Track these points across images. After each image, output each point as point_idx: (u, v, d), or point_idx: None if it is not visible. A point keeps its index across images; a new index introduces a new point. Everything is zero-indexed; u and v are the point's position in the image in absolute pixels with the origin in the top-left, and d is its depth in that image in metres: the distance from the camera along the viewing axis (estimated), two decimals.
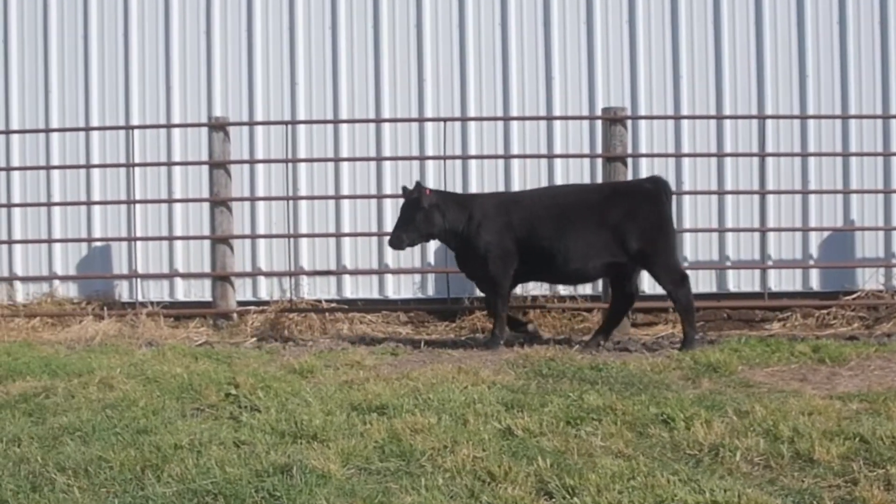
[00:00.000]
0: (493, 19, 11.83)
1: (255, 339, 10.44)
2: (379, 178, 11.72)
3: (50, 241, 11.87)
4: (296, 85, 11.86)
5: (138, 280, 11.78)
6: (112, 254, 11.96)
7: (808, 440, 5.63)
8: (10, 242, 11.90)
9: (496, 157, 11.64)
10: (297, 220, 11.61)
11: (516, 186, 11.55)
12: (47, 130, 11.96)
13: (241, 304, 11.37)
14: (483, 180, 11.57)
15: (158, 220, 11.78)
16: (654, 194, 9.66)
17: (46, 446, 5.91)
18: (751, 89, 11.75)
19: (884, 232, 11.67)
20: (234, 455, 5.60)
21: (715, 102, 11.75)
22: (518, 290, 11.13)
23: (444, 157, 11.30)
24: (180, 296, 11.77)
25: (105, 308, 11.42)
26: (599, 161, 11.24)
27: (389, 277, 11.65)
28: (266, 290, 11.64)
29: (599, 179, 11.13)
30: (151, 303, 11.53)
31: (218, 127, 11.01)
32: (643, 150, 11.61)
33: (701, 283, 11.53)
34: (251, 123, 11.74)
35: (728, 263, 11.64)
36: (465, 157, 11.60)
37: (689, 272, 10.67)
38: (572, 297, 11.40)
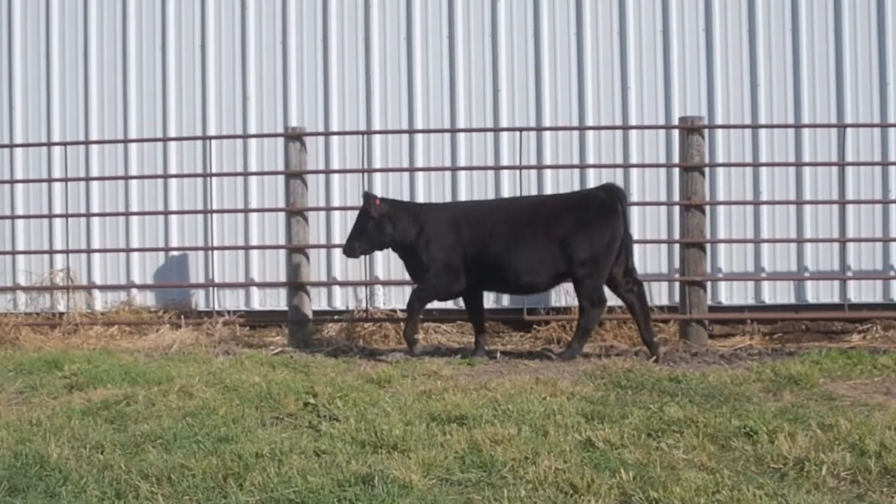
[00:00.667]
0: (569, 29, 11.86)
1: (330, 348, 10.49)
2: (454, 188, 11.82)
3: (128, 250, 12.08)
4: (371, 95, 11.99)
5: (214, 289, 11.95)
6: (189, 263, 12.15)
7: None
8: (90, 251, 12.12)
9: (572, 166, 11.66)
10: None
11: None
12: (125, 141, 12.18)
13: (316, 313, 11.48)
14: (558, 190, 11.57)
15: (235, 229, 11.94)
16: (608, 203, 9.68)
17: (129, 453, 6.01)
18: (830, 97, 11.70)
19: None
20: (315, 464, 5.66)
21: (793, 111, 11.72)
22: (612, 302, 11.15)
23: (520, 167, 11.31)
24: (256, 305, 11.92)
25: (182, 316, 11.59)
26: (676, 171, 11.15)
27: None
28: (341, 299, 11.75)
29: (676, 189, 11.09)
30: (227, 311, 11.66)
31: (294, 137, 11.13)
32: (720, 159, 11.57)
33: (779, 294, 11.49)
34: (327, 133, 11.88)
35: (807, 274, 11.54)
36: (540, 167, 11.65)
37: (767, 283, 10.71)
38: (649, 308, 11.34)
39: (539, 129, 11.74)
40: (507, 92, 11.90)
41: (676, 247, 11.21)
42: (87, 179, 12.08)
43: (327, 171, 11.85)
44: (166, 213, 12.05)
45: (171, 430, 6.45)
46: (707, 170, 11.06)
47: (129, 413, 7.11)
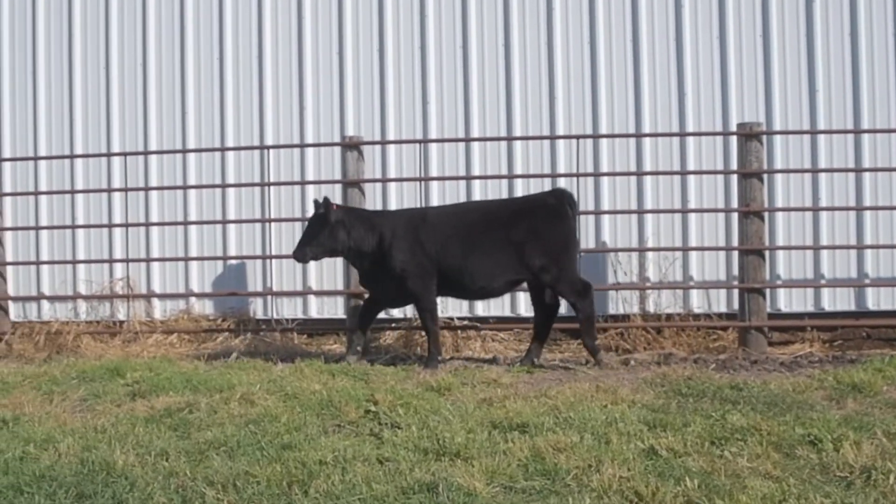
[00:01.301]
0: (625, 36, 11.90)
1: (388, 356, 10.55)
2: (510, 196, 11.78)
3: (186, 259, 12.23)
4: (427, 103, 12.09)
5: (272, 297, 12.04)
6: (247, 271, 12.29)
7: None
8: (149, 260, 12.31)
9: (628, 174, 11.70)
10: None
11: (649, 204, 11.58)
12: (184, 151, 12.34)
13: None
14: (616, 197, 11.67)
15: (292, 237, 11.96)
16: (558, 208, 9.75)
17: (193, 461, 6.09)
18: (890, 101, 11.70)
19: None
20: (379, 472, 5.72)
21: (852, 116, 11.69)
22: (651, 307, 11.17)
23: (577, 175, 11.33)
24: (314, 313, 12.04)
25: (240, 325, 11.68)
26: (734, 177, 11.11)
27: (521, 295, 11.72)
28: (398, 308, 11.80)
29: (734, 196, 11.05)
30: (285, 320, 11.77)
31: (352, 146, 11.22)
32: (778, 165, 11.53)
33: (839, 300, 11.45)
34: (384, 142, 11.99)
35: (867, 281, 11.49)
36: (597, 175, 11.66)
37: (827, 289, 10.65)
38: (707, 316, 11.32)
39: (595, 136, 11.76)
40: (563, 99, 11.94)
41: (735, 254, 11.16)
42: (147, 189, 12.27)
43: (384, 180, 11.94)
44: (224, 221, 12.20)
45: (235, 438, 6.54)
46: (765, 176, 11.00)
47: (191, 420, 7.21)
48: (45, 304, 12.67)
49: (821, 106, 11.68)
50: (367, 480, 5.50)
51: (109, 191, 12.45)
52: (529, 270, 9.66)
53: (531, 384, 8.73)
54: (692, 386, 8.18)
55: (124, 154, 12.35)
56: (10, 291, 12.34)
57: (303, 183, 12.10)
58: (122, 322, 12.15)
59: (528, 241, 9.61)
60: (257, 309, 12.24)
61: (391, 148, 12.10)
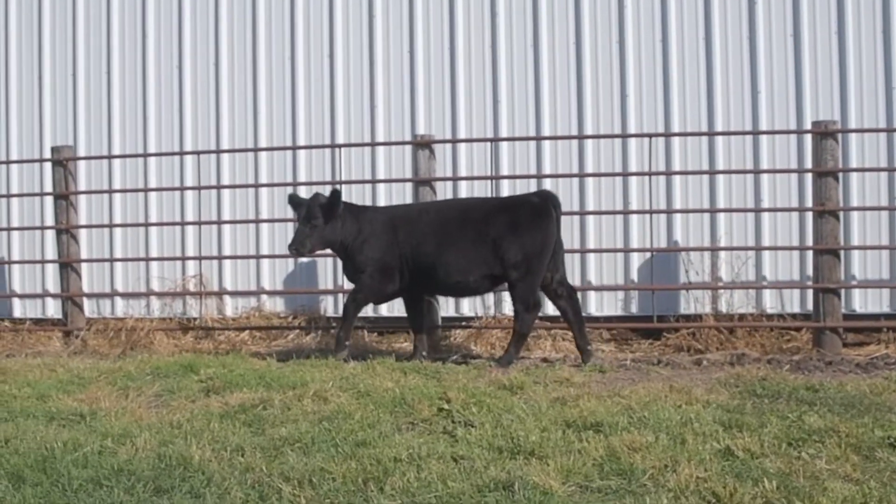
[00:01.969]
0: (697, 34, 11.85)
1: (459, 354, 10.56)
2: (582, 195, 11.94)
3: (258, 256, 12.36)
4: (498, 102, 12.15)
5: (342, 295, 12.07)
6: (317, 269, 12.39)
7: None
8: (220, 258, 12.49)
9: (701, 172, 11.66)
10: None
11: (722, 203, 11.50)
12: (255, 150, 12.48)
13: (444, 319, 11.65)
14: (688, 196, 11.61)
15: None
16: (541, 207, 9.75)
17: (269, 456, 6.15)
18: None
19: None
20: (454, 470, 5.74)
21: None
22: (723, 307, 11.09)
23: (649, 174, 11.31)
24: (384, 311, 12.08)
25: (311, 322, 11.76)
26: (808, 176, 11.00)
27: (592, 294, 11.76)
28: (469, 306, 11.86)
29: (809, 195, 10.94)
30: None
31: (423, 144, 11.27)
32: (853, 164, 11.41)
33: None
34: (455, 141, 12.06)
35: None
36: (669, 174, 11.62)
37: None
38: (780, 316, 11.22)
39: (668, 134, 11.73)
40: (634, 97, 11.94)
41: (809, 253, 11.06)
42: (219, 188, 12.42)
43: (455, 179, 12.01)
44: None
45: (309, 434, 6.58)
46: (840, 175, 10.88)
47: (266, 417, 7.27)
48: (119, 300, 12.92)
49: None
50: (442, 478, 5.53)
51: (182, 189, 12.68)
52: (504, 266, 9.70)
53: (603, 383, 8.75)
54: (767, 387, 8.12)
55: (197, 153, 12.53)
56: (85, 288, 12.56)
57: (373, 182, 12.20)
58: (194, 319, 12.29)
59: (507, 236, 9.65)
60: (328, 306, 12.37)
61: (462, 146, 12.18)
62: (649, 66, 11.98)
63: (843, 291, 10.94)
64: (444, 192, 11.87)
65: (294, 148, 12.46)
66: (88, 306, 12.72)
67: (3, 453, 6.25)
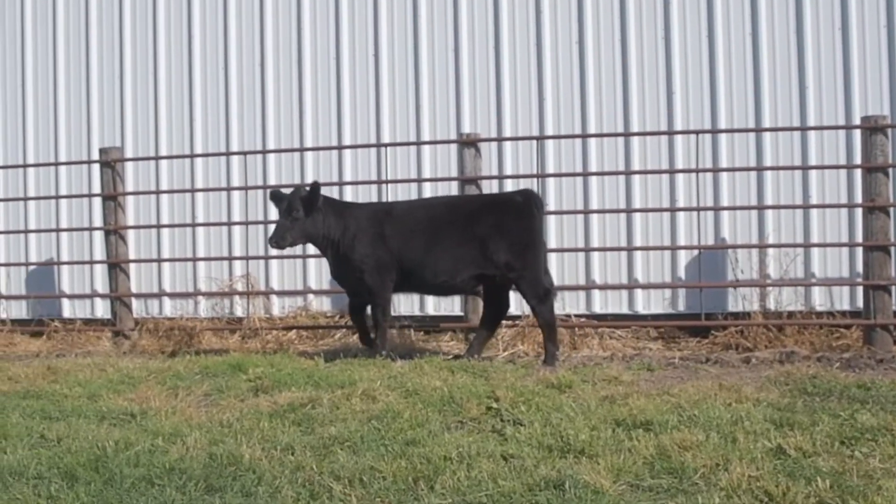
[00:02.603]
0: (744, 29, 11.80)
1: (506, 353, 10.56)
2: (628, 192, 11.92)
3: (304, 256, 12.55)
4: (543, 100, 12.17)
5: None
6: None
7: None
8: (267, 258, 12.63)
9: (748, 169, 11.61)
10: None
11: (769, 199, 11.46)
12: (301, 150, 12.60)
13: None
14: (735, 193, 11.56)
15: None
16: (524, 207, 9.75)
17: (319, 455, 6.14)
18: None
19: None
20: (504, 468, 5.72)
21: None
22: (771, 305, 11.02)
23: (697, 171, 11.26)
24: (430, 310, 12.16)
25: None
26: (857, 172, 10.91)
27: (639, 292, 11.74)
28: (515, 305, 11.77)
29: (858, 191, 10.85)
30: (402, 316, 11.85)
31: (469, 143, 11.28)
32: None
33: None
34: (500, 139, 12.09)
35: None
36: (715, 170, 11.58)
37: None
38: (830, 313, 11.12)
39: (714, 131, 11.73)
40: (680, 94, 11.91)
41: (858, 250, 10.99)
42: (265, 188, 12.45)
43: (500, 177, 12.03)
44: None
45: (358, 433, 6.60)
46: (891, 170, 10.77)
47: (314, 416, 7.30)
48: (167, 300, 13.05)
49: None
50: (492, 477, 5.52)
51: (229, 189, 12.79)
52: (494, 266, 9.71)
53: (652, 382, 8.76)
54: (818, 385, 8.04)
55: (243, 153, 12.64)
56: (133, 288, 12.71)
57: (419, 181, 12.23)
58: (241, 318, 12.36)
59: (493, 235, 9.68)
60: None
61: (507, 145, 12.22)
62: (695, 63, 11.94)
63: (893, 288, 10.85)
64: (489, 190, 11.82)
65: (340, 147, 12.54)
66: (136, 306, 12.87)
67: (56, 452, 6.33)
